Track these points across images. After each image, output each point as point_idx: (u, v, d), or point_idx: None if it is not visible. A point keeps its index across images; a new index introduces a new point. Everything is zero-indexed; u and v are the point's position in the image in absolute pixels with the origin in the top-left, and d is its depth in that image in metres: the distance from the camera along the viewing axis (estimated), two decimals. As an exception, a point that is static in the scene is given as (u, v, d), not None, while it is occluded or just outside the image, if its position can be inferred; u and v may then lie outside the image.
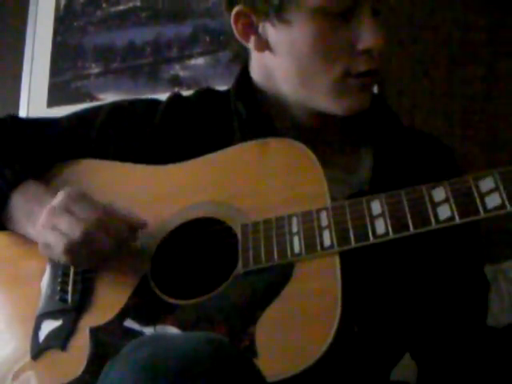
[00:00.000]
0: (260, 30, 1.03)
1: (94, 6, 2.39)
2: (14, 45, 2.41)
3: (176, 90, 2.16)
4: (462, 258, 1.07)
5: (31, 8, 2.42)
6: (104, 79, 2.34)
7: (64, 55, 2.39)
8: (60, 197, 0.97)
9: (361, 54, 0.99)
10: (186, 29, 2.28)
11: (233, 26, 1.05)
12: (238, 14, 1.03)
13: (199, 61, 2.25)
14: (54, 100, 2.35)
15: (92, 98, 2.31)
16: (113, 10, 2.37)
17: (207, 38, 2.25)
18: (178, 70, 2.26)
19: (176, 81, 2.25)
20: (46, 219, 0.96)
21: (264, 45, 1.04)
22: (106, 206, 0.98)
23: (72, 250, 0.94)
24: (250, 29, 1.04)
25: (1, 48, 2.45)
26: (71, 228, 0.94)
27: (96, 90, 2.33)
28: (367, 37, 0.98)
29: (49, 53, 2.39)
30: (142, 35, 2.32)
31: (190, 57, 2.26)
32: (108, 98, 2.28)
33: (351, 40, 0.98)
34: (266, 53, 1.05)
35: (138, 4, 2.35)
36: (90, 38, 2.38)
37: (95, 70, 2.35)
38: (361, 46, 0.98)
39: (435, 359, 1.05)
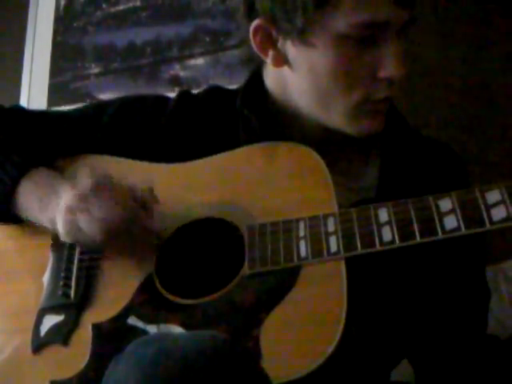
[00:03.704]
0: (279, 45, 1.00)
1: (94, 6, 2.39)
2: (14, 45, 2.41)
3: (176, 89, 2.17)
4: (464, 265, 1.06)
5: (31, 8, 2.42)
6: (104, 79, 2.34)
7: (64, 55, 2.39)
8: (88, 181, 0.95)
9: (381, 81, 0.97)
10: (185, 29, 2.28)
11: (251, 39, 1.02)
12: (257, 28, 1.00)
13: (199, 61, 2.25)
14: (54, 100, 2.35)
15: (92, 98, 2.31)
16: (113, 10, 2.37)
17: (207, 38, 2.24)
18: (178, 69, 2.26)
19: (176, 81, 2.25)
20: (77, 203, 0.94)
21: (282, 60, 1.01)
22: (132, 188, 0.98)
23: (110, 232, 0.93)
24: (269, 43, 1.01)
25: (1, 48, 2.44)
26: (108, 213, 0.93)
27: (96, 90, 2.33)
28: (390, 65, 0.96)
29: (49, 53, 2.39)
30: (142, 35, 2.32)
31: (190, 57, 2.26)
32: (108, 98, 2.28)
33: (374, 65, 0.96)
34: (284, 66, 1.02)
35: (138, 4, 2.35)
36: (90, 38, 2.38)
37: (95, 69, 2.35)
38: (383, 73, 0.96)
39: (433, 366, 1.04)
